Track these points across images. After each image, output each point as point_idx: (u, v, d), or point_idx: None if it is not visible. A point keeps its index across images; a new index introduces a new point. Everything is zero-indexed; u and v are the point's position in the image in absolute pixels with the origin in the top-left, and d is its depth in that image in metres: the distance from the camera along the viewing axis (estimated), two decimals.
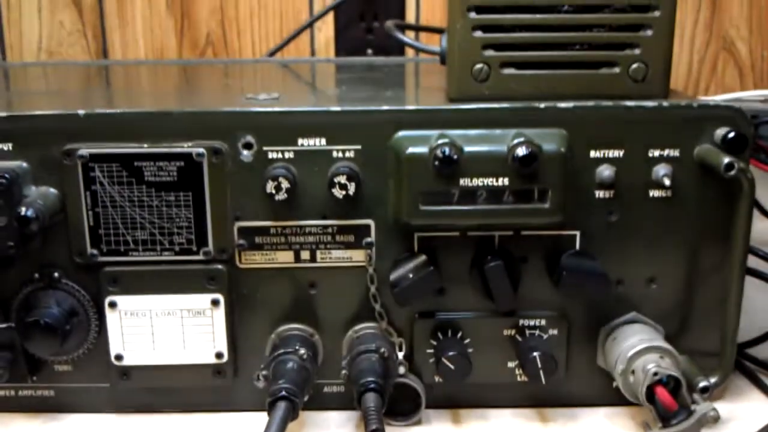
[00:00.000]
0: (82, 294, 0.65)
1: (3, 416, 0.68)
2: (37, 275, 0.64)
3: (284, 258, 0.65)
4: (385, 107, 0.62)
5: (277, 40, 1.11)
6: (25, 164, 0.62)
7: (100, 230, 0.63)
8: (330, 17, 1.11)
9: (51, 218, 0.62)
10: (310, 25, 1.09)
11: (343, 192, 0.61)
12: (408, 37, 0.78)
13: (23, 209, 0.59)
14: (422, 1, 1.11)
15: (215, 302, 0.65)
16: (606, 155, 0.62)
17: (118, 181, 0.62)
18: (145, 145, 0.62)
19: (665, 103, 0.62)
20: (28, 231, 0.60)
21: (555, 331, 0.65)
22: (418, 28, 1.08)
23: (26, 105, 0.72)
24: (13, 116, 0.62)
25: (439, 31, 1.02)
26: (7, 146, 0.62)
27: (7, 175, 0.61)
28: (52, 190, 0.63)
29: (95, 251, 0.63)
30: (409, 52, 1.10)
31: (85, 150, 0.61)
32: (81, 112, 0.62)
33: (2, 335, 0.65)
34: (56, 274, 0.64)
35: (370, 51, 1.11)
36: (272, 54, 1.07)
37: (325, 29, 1.12)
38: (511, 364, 0.66)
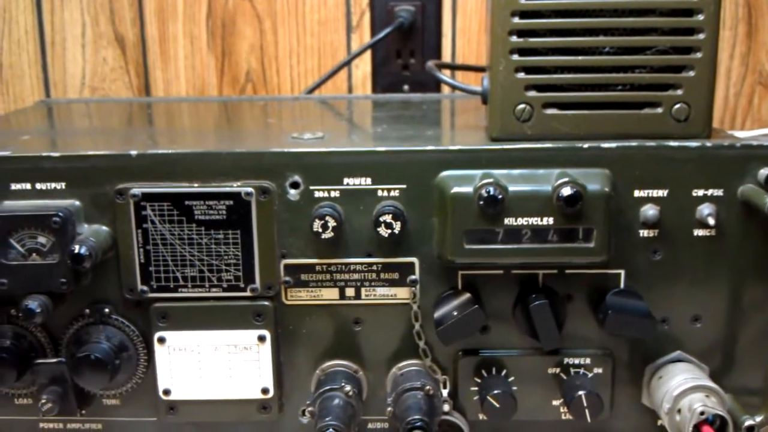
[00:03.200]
0: (131, 329, 0.66)
1: None
2: (87, 311, 0.66)
3: (329, 295, 0.66)
4: (430, 147, 0.63)
5: (315, 76, 1.13)
6: (77, 203, 0.64)
7: (150, 267, 0.64)
8: (367, 54, 1.12)
9: (102, 255, 0.63)
10: (348, 62, 1.11)
11: (389, 231, 0.62)
12: (445, 74, 0.79)
13: (76, 247, 0.61)
14: (458, 38, 1.12)
15: (261, 338, 0.66)
16: (650, 195, 0.63)
17: (169, 219, 0.63)
18: (196, 185, 0.63)
19: (708, 143, 0.63)
20: (80, 268, 0.62)
21: (600, 370, 0.66)
22: (457, 67, 1.09)
23: (74, 144, 0.73)
24: (66, 156, 0.64)
25: (477, 69, 1.03)
26: (60, 185, 0.64)
27: (60, 214, 0.62)
28: (103, 228, 0.64)
29: (145, 288, 0.65)
30: (445, 89, 1.11)
31: (137, 189, 0.63)
32: (133, 152, 0.64)
33: (53, 369, 0.66)
34: (106, 310, 0.66)
35: (406, 87, 1.12)
36: (311, 91, 1.09)
37: (363, 66, 1.13)
38: (555, 402, 0.66)
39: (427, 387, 0.63)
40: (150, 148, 0.65)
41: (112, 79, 1.16)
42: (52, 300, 0.64)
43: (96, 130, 0.85)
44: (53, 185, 0.64)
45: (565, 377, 0.66)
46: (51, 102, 1.04)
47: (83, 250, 0.61)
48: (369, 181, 0.63)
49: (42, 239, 0.63)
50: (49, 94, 1.17)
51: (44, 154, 0.64)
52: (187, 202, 0.63)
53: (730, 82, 1.14)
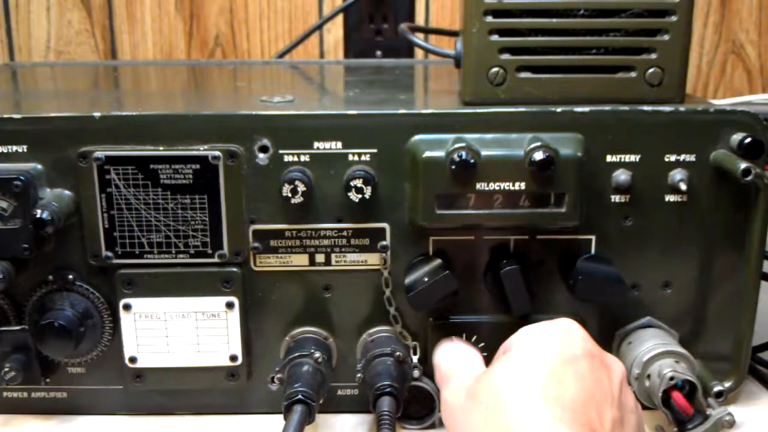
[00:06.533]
0: (96, 296, 0.65)
1: (16, 418, 0.68)
2: (51, 277, 0.64)
3: (299, 261, 0.65)
4: (402, 111, 0.62)
5: (286, 41, 1.11)
6: (39, 166, 0.62)
7: (115, 233, 0.63)
8: (339, 19, 1.11)
9: (66, 220, 0.61)
10: (319, 26, 1.09)
11: (359, 195, 0.61)
12: (419, 39, 0.78)
13: (38, 211, 0.59)
14: (431, 3, 1.11)
15: (230, 305, 0.65)
16: (622, 160, 0.62)
17: (134, 183, 0.62)
18: (161, 148, 0.62)
19: (682, 108, 0.62)
20: (43, 233, 0.60)
21: None
22: (430, 31, 1.08)
23: (38, 106, 0.72)
24: (28, 118, 0.62)
25: (450, 33, 1.02)
26: (21, 148, 0.62)
27: (22, 177, 0.61)
28: (66, 192, 0.63)
29: (110, 254, 0.63)
30: (418, 54, 1.10)
31: (100, 152, 0.61)
32: (96, 114, 0.62)
33: (16, 337, 0.65)
34: (70, 277, 0.64)
35: (379, 53, 1.11)
36: (282, 55, 1.07)
37: (335, 30, 1.12)
38: None
39: (397, 353, 0.63)
40: (114, 110, 0.63)
41: (77, 43, 1.13)
42: (15, 266, 0.62)
43: (60, 93, 0.83)
44: (14, 148, 0.62)
45: None
46: (15, 65, 1.02)
47: (46, 215, 0.59)
48: (340, 145, 0.62)
49: (3, 204, 0.61)
50: (13, 58, 1.14)
51: (5, 116, 0.62)
52: (152, 166, 0.62)
53: (703, 51, 1.14)
